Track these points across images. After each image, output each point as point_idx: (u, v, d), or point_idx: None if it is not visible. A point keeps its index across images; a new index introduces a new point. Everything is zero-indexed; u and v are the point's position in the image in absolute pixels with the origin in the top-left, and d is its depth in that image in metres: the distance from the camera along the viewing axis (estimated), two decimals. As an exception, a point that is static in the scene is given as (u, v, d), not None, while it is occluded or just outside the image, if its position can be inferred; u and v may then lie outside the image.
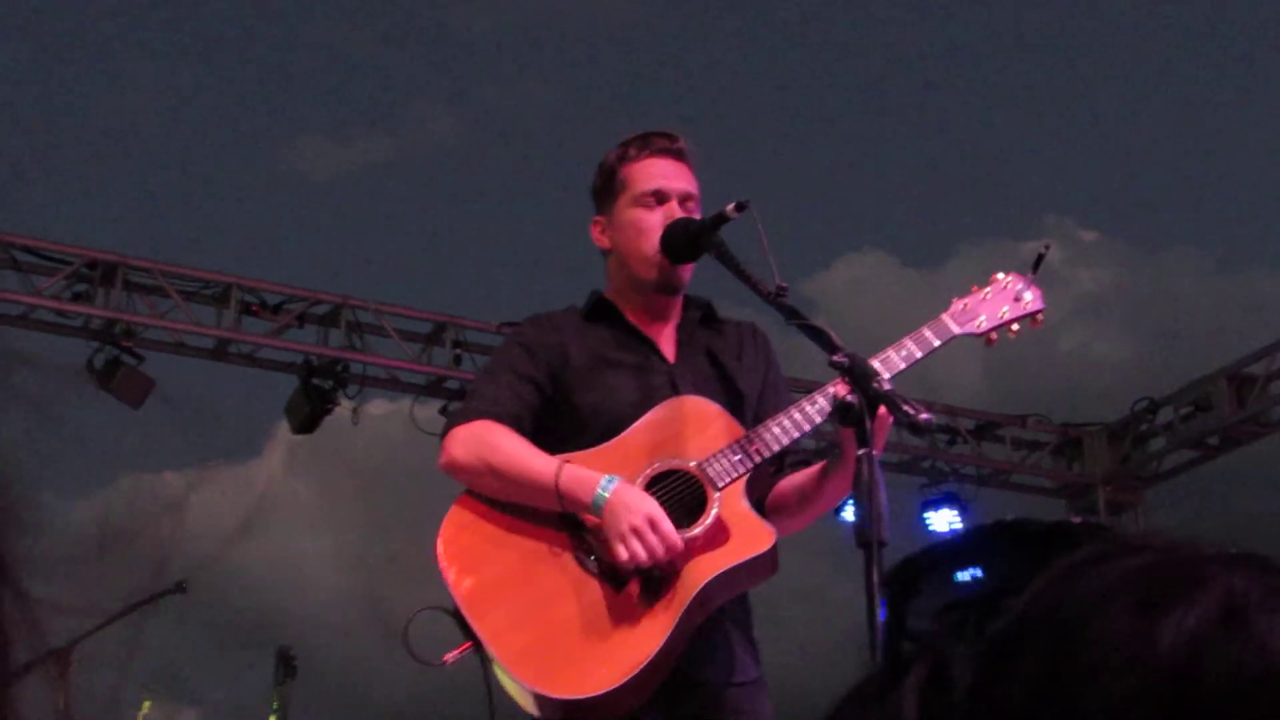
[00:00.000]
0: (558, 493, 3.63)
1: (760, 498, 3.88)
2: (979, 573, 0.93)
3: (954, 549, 0.91)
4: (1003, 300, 4.00)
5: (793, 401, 4.07)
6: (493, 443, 3.73)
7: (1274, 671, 0.76)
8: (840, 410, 3.41)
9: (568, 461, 3.69)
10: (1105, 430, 13.16)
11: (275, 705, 8.96)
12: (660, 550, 3.55)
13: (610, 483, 3.61)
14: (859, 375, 3.32)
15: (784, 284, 3.54)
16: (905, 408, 3.23)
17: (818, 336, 3.45)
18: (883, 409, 3.33)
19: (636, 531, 3.54)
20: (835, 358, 3.35)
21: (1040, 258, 4.05)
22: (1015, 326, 4.00)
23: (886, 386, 3.31)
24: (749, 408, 3.95)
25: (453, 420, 3.86)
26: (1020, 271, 4.05)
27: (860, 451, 3.25)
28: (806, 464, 3.92)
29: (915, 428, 3.29)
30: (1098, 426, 13.20)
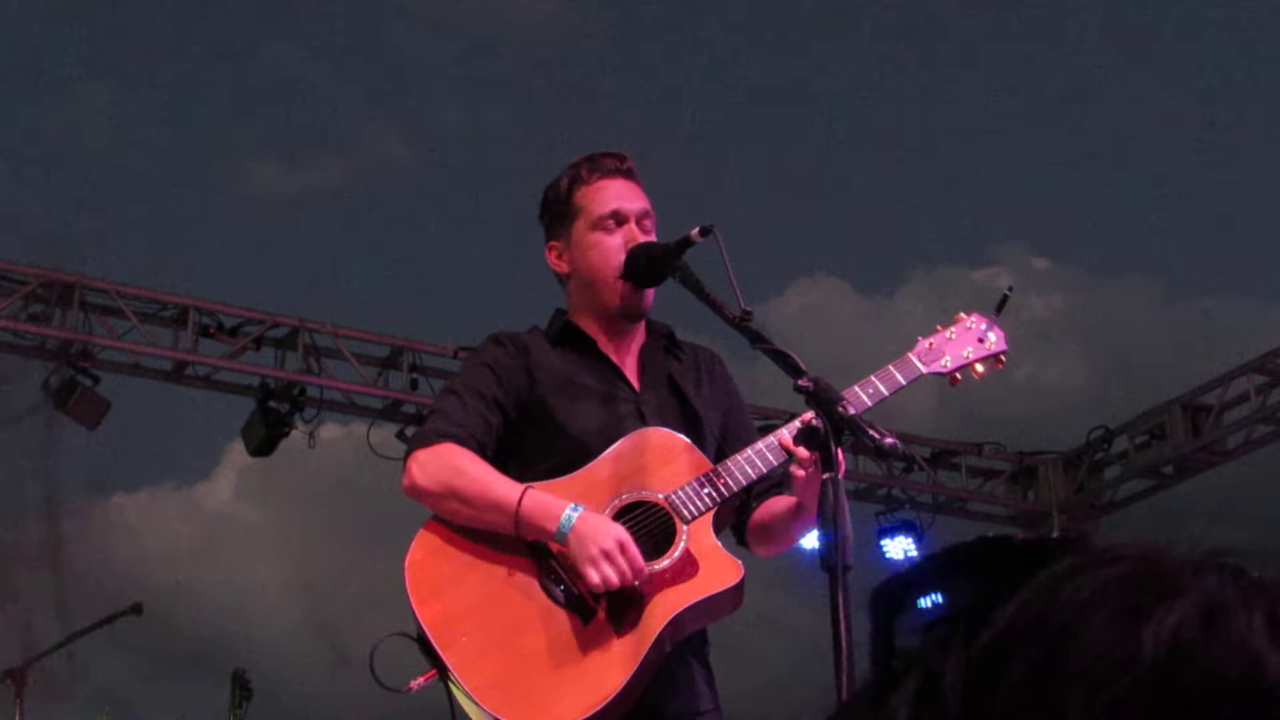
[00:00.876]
0: (518, 518, 3.61)
1: (737, 525, 3.90)
2: (939, 598, 0.95)
3: (937, 565, 0.93)
4: (967, 340, 4.02)
5: (753, 428, 4.08)
6: (457, 466, 3.69)
7: (1255, 668, 0.78)
8: (805, 434, 3.42)
9: (530, 487, 3.66)
10: (1060, 459, 13.23)
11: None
12: (630, 574, 3.54)
13: (575, 510, 3.59)
14: (824, 400, 3.32)
15: (749, 308, 3.55)
16: (871, 432, 3.24)
17: (783, 361, 3.45)
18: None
19: (607, 555, 3.53)
20: (800, 382, 3.36)
21: (1004, 299, 4.07)
22: (980, 367, 4.03)
23: (851, 411, 3.32)
24: (709, 436, 3.95)
25: (415, 442, 3.82)
26: (983, 312, 4.08)
27: (825, 476, 3.25)
28: (778, 489, 3.91)
29: (881, 451, 3.30)
30: (1053, 455, 13.27)
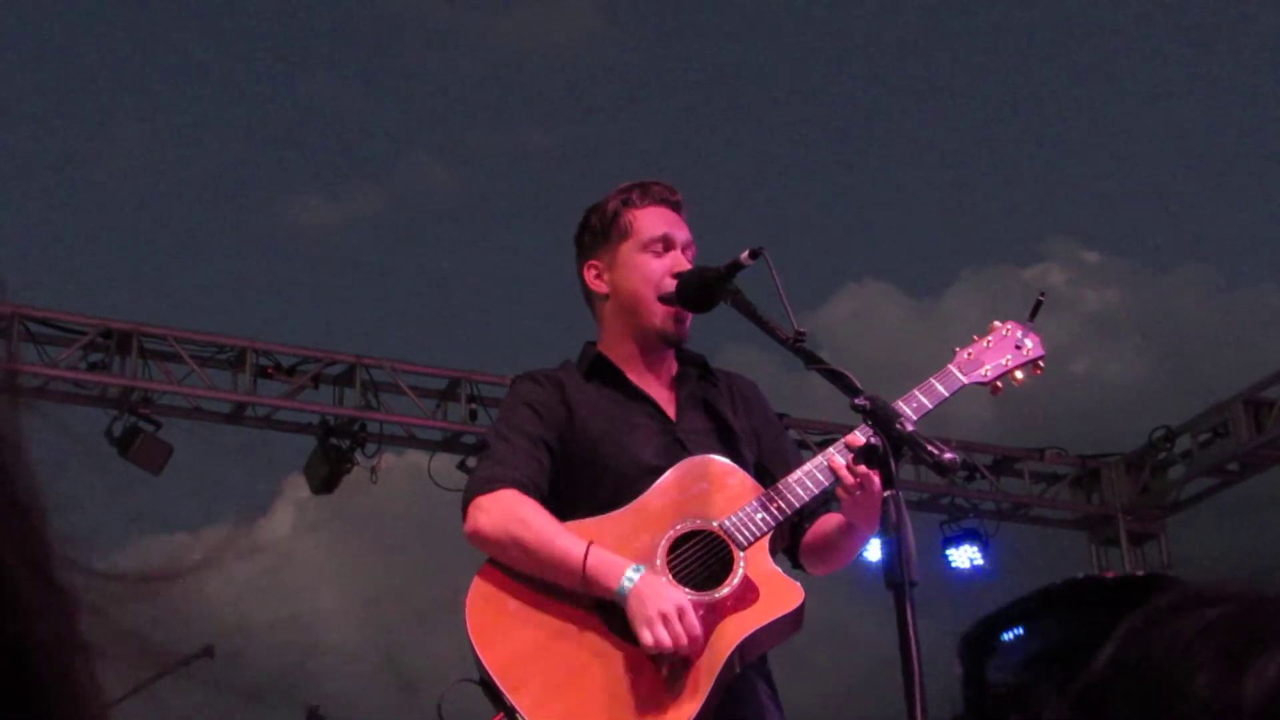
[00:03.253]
0: (583, 576, 3.59)
1: (790, 546, 3.90)
2: (1020, 631, 0.95)
3: (1028, 607, 0.93)
4: (1004, 348, 4.02)
5: (795, 449, 4.07)
6: (520, 516, 3.68)
7: None
8: (864, 453, 3.41)
9: (592, 542, 3.64)
10: (1123, 460, 13.14)
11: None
12: (685, 640, 3.52)
13: (636, 571, 3.58)
14: (882, 418, 3.32)
15: (802, 329, 3.55)
16: (930, 448, 3.23)
17: (839, 380, 3.45)
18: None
19: (665, 618, 3.51)
20: (857, 401, 3.35)
21: (1038, 304, 4.06)
22: (1019, 374, 4.02)
23: (910, 428, 3.31)
24: (748, 458, 3.95)
25: (476, 488, 3.78)
26: (1019, 319, 4.07)
27: (887, 493, 3.25)
28: (827, 506, 3.90)
29: (940, 468, 3.28)
30: (1116, 456, 13.18)
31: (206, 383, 10.72)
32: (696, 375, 4.08)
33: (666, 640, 3.50)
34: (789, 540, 3.93)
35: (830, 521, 3.86)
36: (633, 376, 3.98)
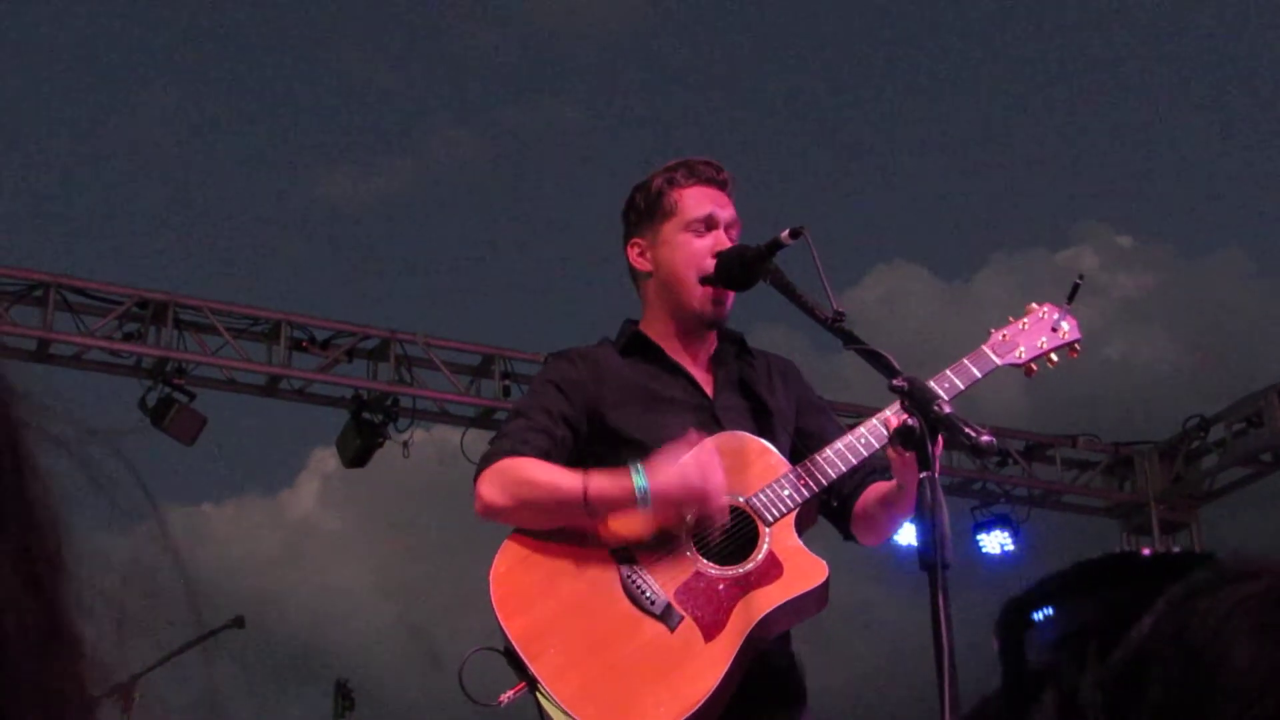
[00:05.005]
0: (587, 500, 3.61)
1: (840, 516, 3.92)
2: (1056, 606, 0.95)
3: (1065, 581, 0.93)
4: (1040, 330, 4.01)
5: (836, 423, 4.07)
6: (521, 477, 3.70)
7: None
8: (902, 434, 3.40)
9: (591, 470, 3.67)
10: (1156, 448, 13.09)
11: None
12: (717, 474, 3.60)
13: (638, 466, 3.60)
14: (920, 399, 3.30)
15: (841, 309, 3.54)
16: (967, 430, 3.22)
17: (877, 361, 3.44)
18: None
19: (701, 465, 3.59)
20: (895, 382, 3.34)
21: (1076, 287, 4.05)
22: (1054, 357, 4.02)
23: (947, 410, 3.30)
24: (783, 436, 3.95)
25: (480, 465, 3.81)
26: (1055, 302, 4.06)
27: (923, 475, 3.23)
28: (876, 475, 3.91)
29: (977, 450, 3.27)
30: (1149, 445, 13.14)
31: (241, 355, 10.75)
32: (734, 353, 4.08)
33: (714, 488, 3.58)
34: (840, 509, 3.94)
35: (878, 489, 3.87)
36: (671, 353, 3.99)
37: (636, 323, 4.08)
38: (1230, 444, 12.59)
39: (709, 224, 3.94)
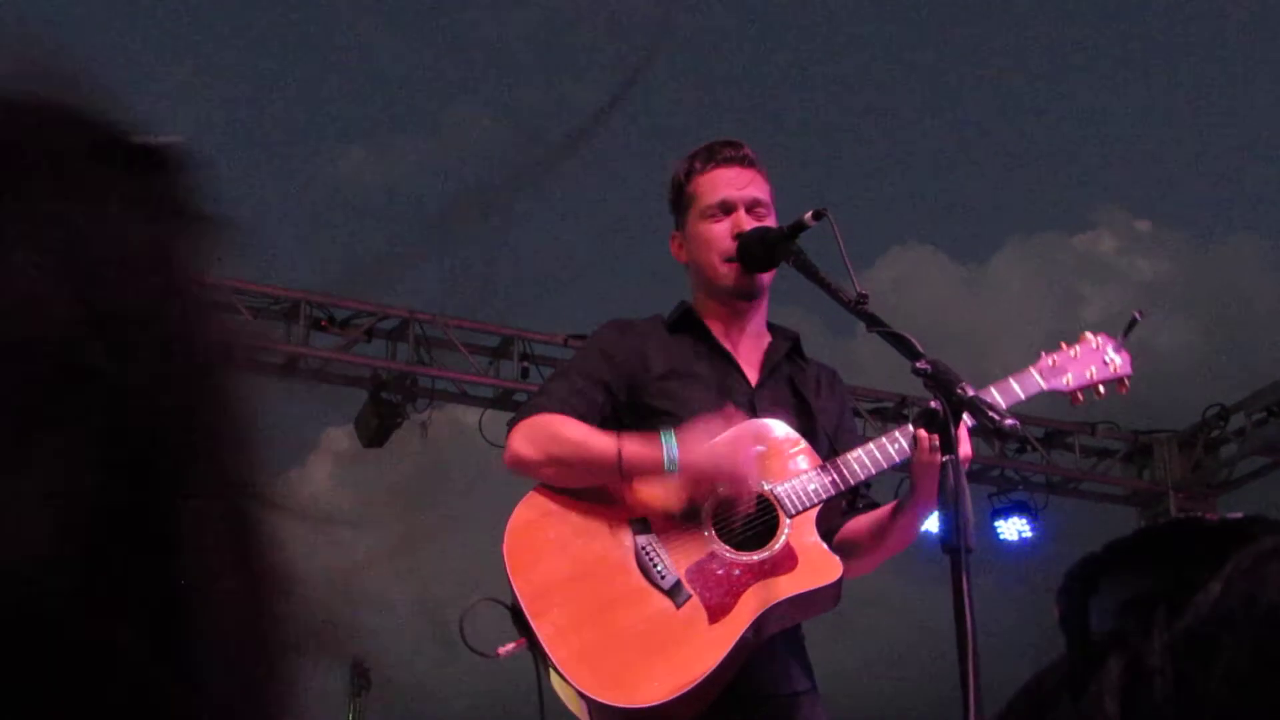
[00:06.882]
0: (620, 461, 3.63)
1: (830, 530, 3.88)
2: (1120, 572, 0.93)
3: (1129, 547, 0.92)
4: (1090, 360, 4.00)
5: (857, 441, 4.06)
6: (552, 432, 3.73)
7: None
8: (925, 417, 3.39)
9: (626, 434, 3.70)
10: (1176, 437, 13.06)
11: (351, 718, 8.99)
12: (752, 459, 3.63)
13: (669, 431, 3.63)
14: (942, 381, 3.29)
15: (865, 292, 3.53)
16: (990, 413, 3.21)
17: (900, 344, 3.43)
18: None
19: (736, 443, 3.62)
20: (918, 364, 3.33)
21: (1133, 322, 4.03)
22: (1102, 389, 4.00)
23: (970, 392, 3.29)
24: (824, 439, 3.95)
25: (516, 416, 3.87)
26: (1110, 334, 4.04)
27: (945, 458, 3.22)
28: (875, 506, 3.91)
29: (1000, 433, 3.26)
30: (1168, 433, 13.10)
31: (260, 333, 10.74)
32: (786, 352, 4.07)
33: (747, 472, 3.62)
34: (834, 526, 3.92)
35: (867, 519, 3.88)
36: (719, 336, 4.00)
37: (689, 303, 4.09)
38: (1250, 433, 12.56)
39: (724, 208, 3.95)
